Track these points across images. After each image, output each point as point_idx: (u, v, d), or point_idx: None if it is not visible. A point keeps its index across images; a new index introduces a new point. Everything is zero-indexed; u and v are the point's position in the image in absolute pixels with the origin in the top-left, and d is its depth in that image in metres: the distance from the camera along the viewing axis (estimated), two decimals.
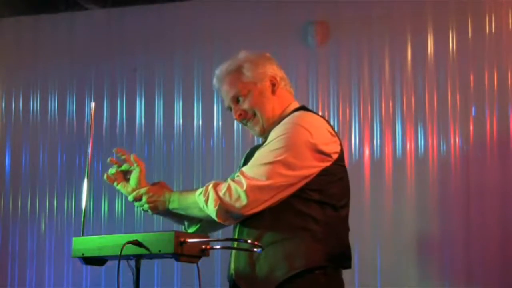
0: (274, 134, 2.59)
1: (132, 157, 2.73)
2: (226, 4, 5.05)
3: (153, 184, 2.73)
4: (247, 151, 2.83)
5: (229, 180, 2.55)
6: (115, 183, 2.74)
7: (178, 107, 5.08)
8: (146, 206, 2.68)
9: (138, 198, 2.69)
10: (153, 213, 2.72)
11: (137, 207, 2.74)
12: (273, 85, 2.70)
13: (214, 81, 2.77)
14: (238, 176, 2.54)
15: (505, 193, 4.46)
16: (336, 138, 2.63)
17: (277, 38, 4.88)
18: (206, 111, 4.98)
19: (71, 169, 5.19)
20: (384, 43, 4.75)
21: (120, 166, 2.74)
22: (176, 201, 2.65)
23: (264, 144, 2.63)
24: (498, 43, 4.59)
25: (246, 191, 2.47)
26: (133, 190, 2.70)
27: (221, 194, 2.49)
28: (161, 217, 2.88)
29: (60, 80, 5.31)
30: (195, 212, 2.64)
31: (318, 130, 2.58)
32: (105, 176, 2.75)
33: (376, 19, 4.78)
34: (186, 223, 2.82)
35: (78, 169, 5.17)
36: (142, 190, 2.68)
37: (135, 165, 2.71)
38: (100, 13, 5.36)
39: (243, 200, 2.47)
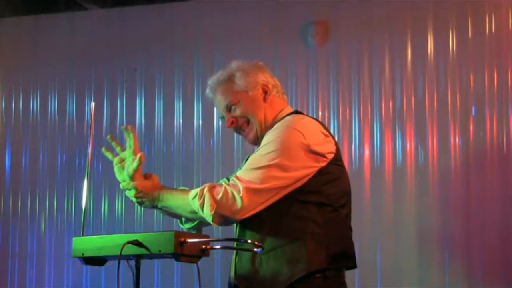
0: (267, 138, 2.62)
1: (135, 153, 2.70)
2: (226, 4, 5.05)
3: (146, 178, 2.69)
4: (246, 157, 2.83)
5: (224, 184, 2.55)
6: (111, 157, 2.73)
7: (178, 107, 5.08)
8: (134, 199, 2.68)
9: (127, 189, 2.68)
10: (141, 206, 2.72)
11: (136, 206, 2.74)
12: (265, 92, 2.74)
13: (207, 91, 2.81)
14: (233, 180, 2.54)
15: (505, 193, 4.46)
16: (330, 139, 2.65)
17: (277, 38, 4.88)
18: (206, 111, 4.97)
19: (71, 169, 5.19)
20: (384, 43, 4.75)
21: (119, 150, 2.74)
22: (165, 200, 2.64)
23: (258, 148, 2.64)
24: (498, 43, 4.59)
25: (242, 195, 2.48)
26: (124, 180, 2.68)
27: (217, 198, 2.49)
28: (162, 217, 2.88)
29: (60, 80, 5.30)
30: (184, 213, 2.66)
31: (311, 131, 2.59)
32: (103, 149, 2.75)
33: (376, 19, 4.78)
34: (183, 218, 2.82)
35: (78, 169, 5.16)
36: (132, 184, 2.65)
37: (137, 158, 2.67)
38: (100, 13, 5.37)
39: (239, 204, 2.48)
